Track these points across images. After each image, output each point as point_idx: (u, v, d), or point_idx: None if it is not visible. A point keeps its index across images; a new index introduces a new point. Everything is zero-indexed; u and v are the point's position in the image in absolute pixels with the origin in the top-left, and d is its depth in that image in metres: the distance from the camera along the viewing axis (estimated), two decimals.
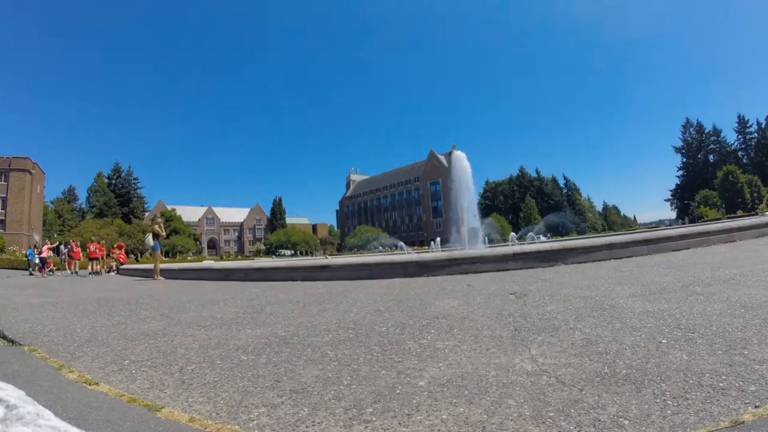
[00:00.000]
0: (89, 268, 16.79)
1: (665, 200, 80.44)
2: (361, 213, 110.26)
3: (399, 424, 1.42)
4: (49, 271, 18.73)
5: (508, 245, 11.12)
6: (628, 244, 7.21)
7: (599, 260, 6.73)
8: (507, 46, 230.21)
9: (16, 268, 27.79)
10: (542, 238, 14.17)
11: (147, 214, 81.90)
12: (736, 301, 2.86)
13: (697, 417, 1.30)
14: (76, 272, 17.87)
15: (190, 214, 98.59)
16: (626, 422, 1.30)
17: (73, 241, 19.90)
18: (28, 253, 21.97)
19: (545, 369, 1.84)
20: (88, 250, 17.15)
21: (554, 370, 1.81)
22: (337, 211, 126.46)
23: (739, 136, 72.07)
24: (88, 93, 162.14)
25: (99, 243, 18.16)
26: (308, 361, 2.22)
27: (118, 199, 75.61)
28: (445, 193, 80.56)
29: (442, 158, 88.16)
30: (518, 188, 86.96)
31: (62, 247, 20.40)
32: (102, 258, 17.82)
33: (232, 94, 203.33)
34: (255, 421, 1.51)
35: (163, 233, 11.98)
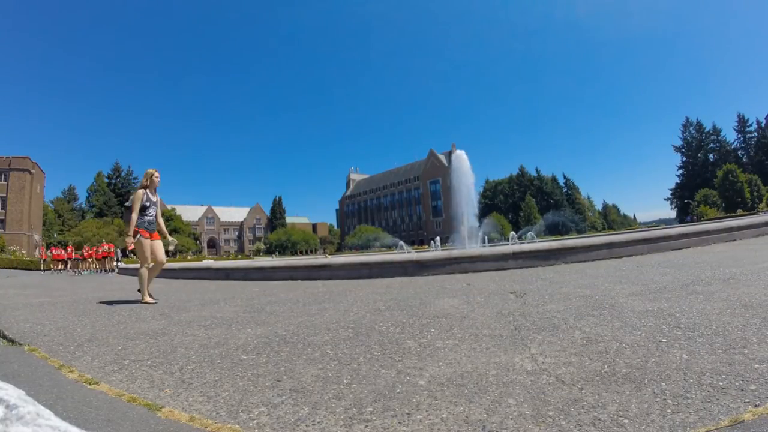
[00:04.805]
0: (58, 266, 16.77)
1: (665, 199, 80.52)
2: (361, 212, 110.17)
3: (399, 423, 1.42)
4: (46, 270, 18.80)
5: (508, 244, 11.12)
6: (627, 243, 7.20)
7: (599, 259, 6.73)
8: (507, 45, 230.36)
9: (15, 268, 27.82)
10: (534, 239, 14.26)
11: None
12: (736, 300, 2.86)
13: (697, 416, 1.30)
14: (81, 271, 17.90)
15: (190, 213, 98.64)
16: (626, 421, 1.30)
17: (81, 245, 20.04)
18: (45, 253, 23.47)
19: (545, 368, 1.84)
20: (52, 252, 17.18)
21: (554, 369, 1.81)
22: (337, 210, 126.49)
23: (739, 135, 72.10)
24: (87, 92, 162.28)
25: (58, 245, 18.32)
26: (308, 360, 2.22)
27: (118, 198, 75.43)
28: (445, 192, 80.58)
29: (442, 157, 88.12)
30: (518, 187, 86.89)
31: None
32: (70, 259, 17.75)
33: (232, 94, 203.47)
34: (255, 421, 1.51)
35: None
